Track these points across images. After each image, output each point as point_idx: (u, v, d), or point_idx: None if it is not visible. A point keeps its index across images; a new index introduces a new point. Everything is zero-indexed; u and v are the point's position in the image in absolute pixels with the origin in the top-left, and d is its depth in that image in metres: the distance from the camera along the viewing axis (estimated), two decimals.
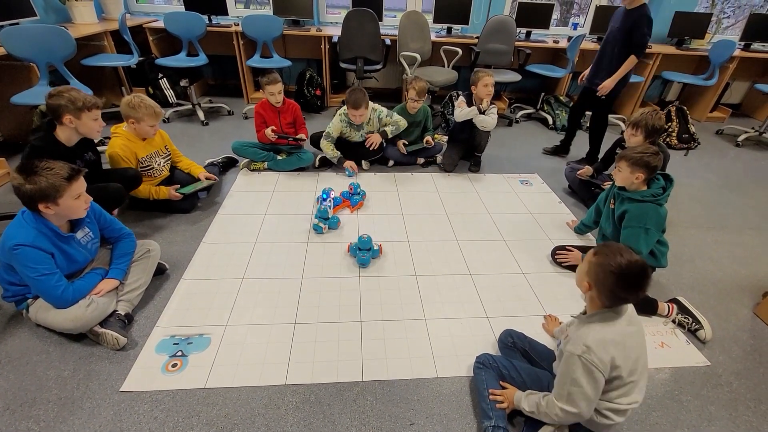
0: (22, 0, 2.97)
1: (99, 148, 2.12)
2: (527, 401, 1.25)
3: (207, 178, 2.40)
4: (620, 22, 2.69)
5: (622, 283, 1.07)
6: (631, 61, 2.67)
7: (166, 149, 2.35)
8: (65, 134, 1.82)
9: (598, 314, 1.15)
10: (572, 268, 2.02)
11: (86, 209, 1.49)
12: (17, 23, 2.87)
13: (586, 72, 3.06)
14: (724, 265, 2.22)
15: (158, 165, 2.28)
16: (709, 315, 1.80)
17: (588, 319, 1.17)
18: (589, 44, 4.17)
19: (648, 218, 1.77)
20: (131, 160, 2.13)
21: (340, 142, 2.91)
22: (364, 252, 1.99)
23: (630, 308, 1.17)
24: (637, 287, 1.08)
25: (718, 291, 2.03)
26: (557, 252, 2.10)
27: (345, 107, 2.76)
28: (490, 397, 1.32)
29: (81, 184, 1.43)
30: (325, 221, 2.23)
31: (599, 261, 1.11)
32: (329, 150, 2.82)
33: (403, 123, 2.92)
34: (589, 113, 3.21)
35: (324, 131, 2.86)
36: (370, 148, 2.86)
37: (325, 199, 2.34)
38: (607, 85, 2.79)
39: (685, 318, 1.76)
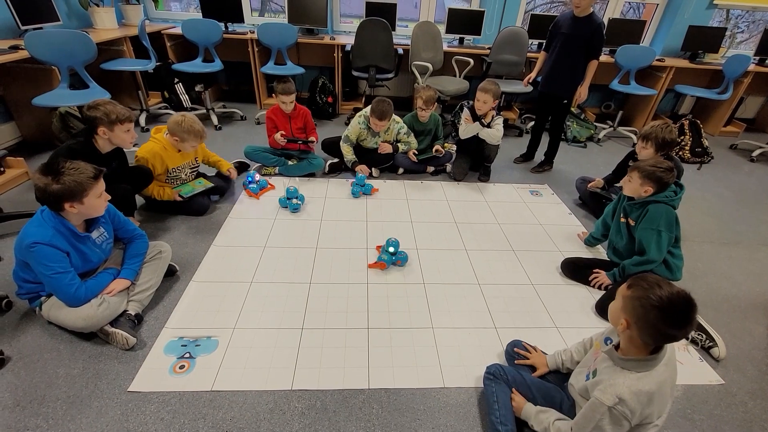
0: (46, 5, 3.07)
1: (132, 149, 2.18)
2: (537, 420, 1.22)
3: (209, 179, 2.46)
4: (571, 29, 2.75)
5: (667, 318, 0.95)
6: (595, 65, 2.83)
7: (196, 161, 2.43)
8: (101, 142, 1.90)
9: (635, 362, 1.03)
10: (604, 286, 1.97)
11: (105, 207, 1.53)
12: (41, 28, 2.96)
13: (532, 75, 3.23)
14: (738, 282, 2.18)
15: (185, 175, 2.37)
16: (722, 332, 1.76)
17: (623, 364, 1.05)
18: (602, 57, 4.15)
19: (660, 219, 1.76)
20: (157, 167, 2.18)
21: (354, 147, 2.95)
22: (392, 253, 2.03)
23: (669, 347, 1.05)
24: (684, 322, 0.95)
25: (732, 308, 1.99)
26: (590, 280, 2.01)
27: (364, 111, 2.82)
28: None
29: (102, 182, 1.47)
30: (360, 187, 2.67)
31: (636, 295, 0.99)
32: (347, 152, 2.89)
33: (414, 144, 3.01)
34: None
35: (339, 136, 2.92)
36: (380, 152, 2.91)
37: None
38: (584, 93, 2.92)
39: (698, 335, 1.73)
